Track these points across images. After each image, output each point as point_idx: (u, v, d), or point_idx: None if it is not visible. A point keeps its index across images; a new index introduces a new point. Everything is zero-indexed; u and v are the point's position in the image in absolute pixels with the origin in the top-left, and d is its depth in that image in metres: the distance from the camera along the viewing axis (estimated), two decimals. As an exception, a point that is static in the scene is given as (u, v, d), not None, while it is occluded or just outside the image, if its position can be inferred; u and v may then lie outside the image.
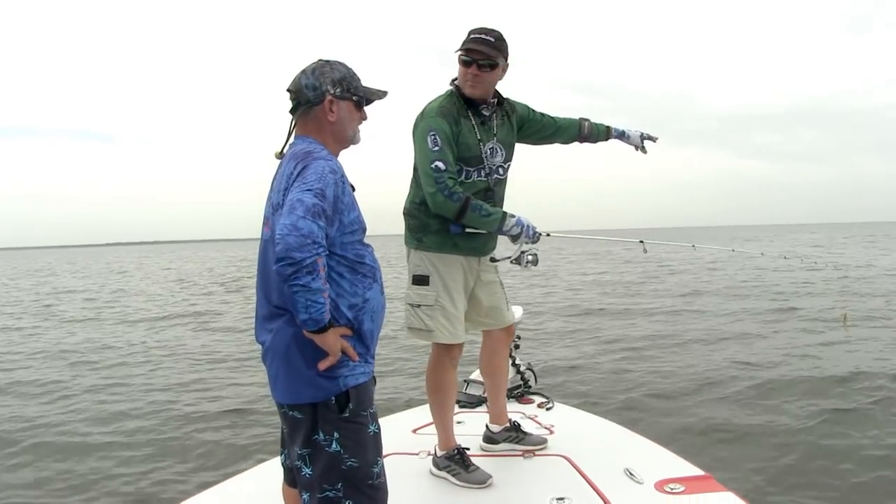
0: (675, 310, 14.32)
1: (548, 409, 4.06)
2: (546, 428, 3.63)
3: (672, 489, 2.72)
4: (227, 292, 24.41)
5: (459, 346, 3.14)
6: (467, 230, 3.03)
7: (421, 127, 2.99)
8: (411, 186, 3.13)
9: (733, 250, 5.82)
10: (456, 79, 3.08)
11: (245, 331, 12.67)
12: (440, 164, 2.89)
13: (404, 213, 3.15)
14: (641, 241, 3.77)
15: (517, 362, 4.47)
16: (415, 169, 3.08)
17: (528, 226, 3.03)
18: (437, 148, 2.90)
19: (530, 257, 3.13)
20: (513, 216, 3.02)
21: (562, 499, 2.69)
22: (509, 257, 3.17)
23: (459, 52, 3.01)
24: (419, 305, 3.06)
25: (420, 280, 3.07)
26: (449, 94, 3.08)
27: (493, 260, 3.24)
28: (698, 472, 2.93)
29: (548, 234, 3.22)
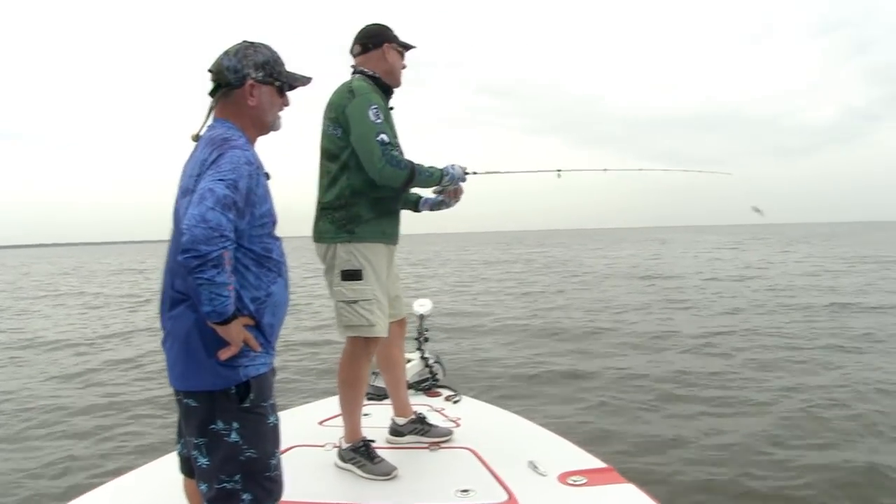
0: (589, 307, 14.71)
1: (455, 402, 4.06)
2: (452, 421, 3.62)
3: (575, 481, 2.76)
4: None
5: (379, 340, 3.09)
6: (385, 219, 3.05)
7: (358, 103, 2.92)
8: (334, 178, 3.00)
9: (641, 169, 5.44)
10: (362, 69, 3.10)
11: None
12: (384, 137, 2.89)
13: (326, 208, 3.02)
14: (558, 171, 3.86)
15: (426, 355, 4.48)
16: (332, 157, 2.99)
17: (456, 172, 3.19)
18: (379, 121, 2.91)
19: (446, 201, 3.31)
20: (442, 168, 3.14)
21: (466, 491, 2.69)
22: (428, 200, 3.34)
23: (393, 45, 3.12)
24: (356, 301, 2.97)
25: (352, 275, 2.97)
26: (365, 79, 3.05)
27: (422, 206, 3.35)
28: (601, 464, 2.97)
29: (474, 173, 3.32)
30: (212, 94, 2.12)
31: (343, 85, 3.04)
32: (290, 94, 2.21)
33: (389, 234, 3.13)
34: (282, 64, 2.16)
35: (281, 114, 2.20)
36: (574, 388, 7.59)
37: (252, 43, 2.12)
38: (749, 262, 28.43)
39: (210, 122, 2.12)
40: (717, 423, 6.13)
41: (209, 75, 2.12)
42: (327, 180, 3.02)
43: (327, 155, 3.02)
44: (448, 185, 3.20)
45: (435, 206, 3.35)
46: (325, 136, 3.02)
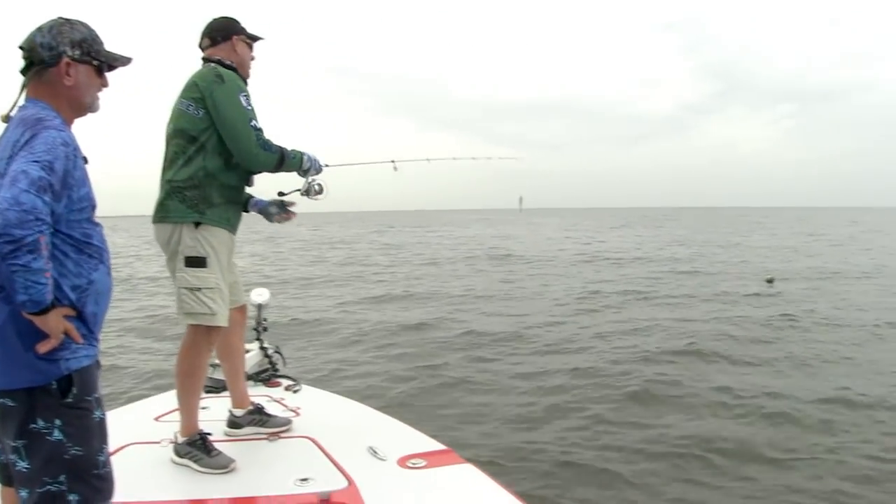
0: (421, 296, 14.93)
1: (295, 392, 4.03)
2: (292, 410, 3.60)
3: (414, 464, 2.83)
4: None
5: (220, 329, 3.02)
6: (232, 207, 3.05)
7: (228, 89, 2.92)
8: (189, 159, 2.93)
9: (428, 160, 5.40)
10: (219, 59, 3.07)
11: None
12: (256, 123, 2.94)
13: (178, 187, 2.92)
14: (393, 161, 4.00)
15: (265, 345, 4.40)
16: (190, 138, 2.92)
17: (315, 159, 3.25)
18: (250, 107, 2.95)
19: (317, 187, 3.32)
20: (302, 152, 3.18)
21: (305, 479, 2.69)
22: (298, 190, 3.33)
23: (241, 37, 3.15)
24: (199, 289, 2.90)
25: (196, 262, 2.91)
26: (222, 68, 3.02)
27: (280, 194, 3.37)
28: (440, 446, 3.06)
29: (326, 165, 3.38)
30: (23, 72, 1.98)
31: (208, 70, 3.00)
32: (109, 75, 2.10)
33: (233, 223, 3.12)
34: (100, 42, 2.05)
35: (100, 94, 2.09)
36: (416, 373, 7.74)
37: (68, 20, 2.01)
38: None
39: (22, 101, 1.99)
40: (559, 402, 6.48)
41: (21, 52, 1.98)
42: (182, 160, 2.95)
43: (184, 135, 2.96)
44: (311, 173, 3.27)
45: (263, 210, 3.35)
46: (184, 115, 2.96)
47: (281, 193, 3.39)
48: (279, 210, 3.34)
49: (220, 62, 3.06)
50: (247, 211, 3.32)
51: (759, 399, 6.42)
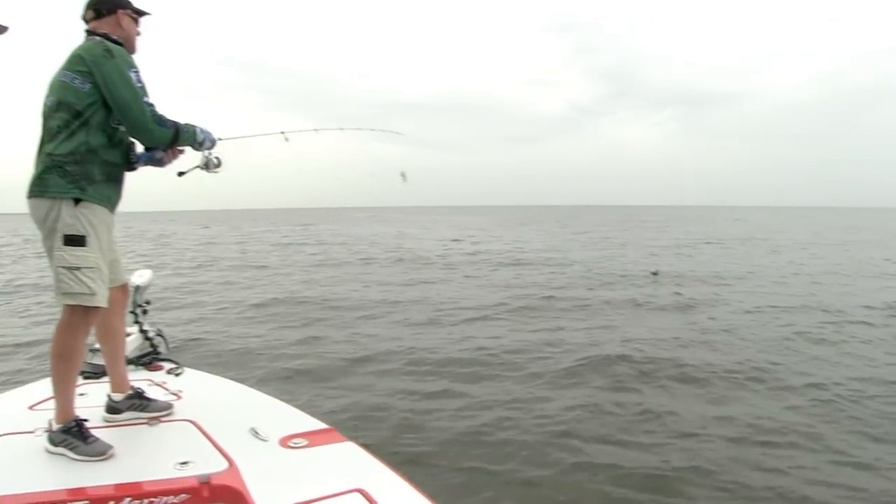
0: (304, 280, 14.93)
1: (177, 375, 4.00)
2: (174, 394, 3.58)
3: (296, 443, 2.88)
4: None
5: (99, 310, 2.97)
6: (112, 185, 3.02)
7: (119, 65, 2.87)
8: (72, 133, 2.86)
9: (315, 130, 5.41)
10: (104, 32, 3.00)
11: None
12: (149, 99, 2.92)
13: (59, 161, 2.84)
14: (283, 132, 4.05)
15: (145, 328, 4.32)
16: (74, 112, 2.85)
17: (208, 132, 3.27)
18: (141, 84, 2.91)
19: (216, 160, 3.38)
20: (194, 125, 3.19)
21: (186, 462, 2.70)
22: (198, 166, 3.39)
23: (127, 11, 3.09)
24: (78, 268, 2.84)
25: (75, 240, 2.84)
26: (109, 42, 2.96)
27: (180, 174, 3.40)
28: (322, 425, 3.11)
29: (220, 139, 3.40)
30: None
31: (94, 43, 2.92)
32: None
33: (114, 201, 3.08)
34: None
35: None
36: (300, 354, 7.78)
37: None
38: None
39: None
40: (444, 383, 6.66)
41: None
42: (65, 133, 2.86)
43: (68, 108, 2.87)
44: (206, 145, 3.29)
45: (150, 160, 3.30)
46: (68, 88, 2.88)
47: (180, 173, 3.41)
48: (164, 150, 3.30)
49: (106, 36, 2.99)
50: (134, 169, 3.25)
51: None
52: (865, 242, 30.47)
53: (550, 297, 12.24)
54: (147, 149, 3.22)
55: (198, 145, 3.26)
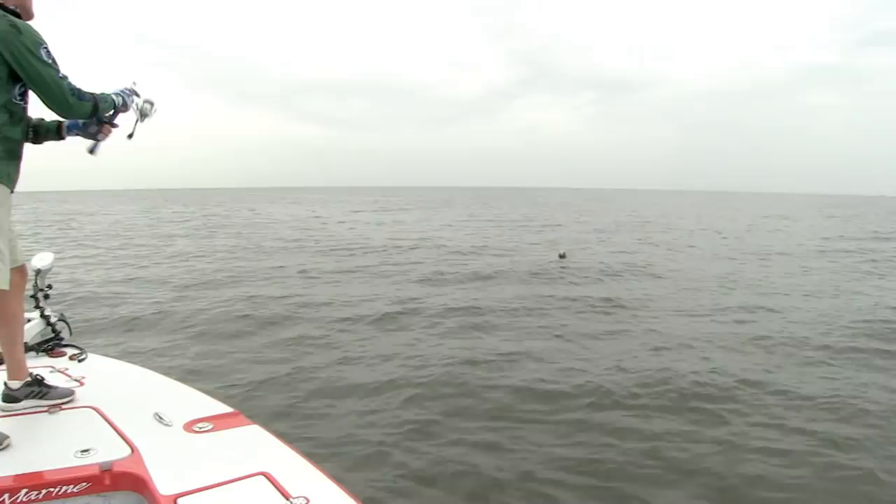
0: (224, 257, 14.69)
1: (80, 361, 3.91)
2: (76, 380, 3.51)
3: (200, 428, 2.88)
4: None
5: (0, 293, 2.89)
6: (13, 162, 2.94)
7: (29, 41, 2.77)
8: None
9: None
10: (1, 2, 2.88)
11: None
12: (63, 73, 2.85)
13: None
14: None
15: (47, 313, 4.20)
16: None
17: (121, 89, 3.23)
18: (52, 60, 2.83)
19: (147, 106, 3.34)
20: (108, 93, 3.14)
21: (87, 450, 2.67)
22: (136, 121, 3.33)
23: None
24: None
25: None
26: (12, 16, 2.84)
27: (129, 137, 3.34)
28: (227, 409, 3.10)
29: (134, 83, 3.35)
30: None
31: None
32: None
33: (14, 179, 2.99)
34: None
35: None
36: (206, 336, 7.70)
37: None
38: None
39: None
40: (350, 368, 6.73)
41: None
42: None
43: None
44: (131, 105, 3.26)
45: (84, 131, 3.25)
46: None
47: (130, 136, 3.35)
48: (98, 126, 3.25)
49: (2, 6, 2.85)
50: (62, 138, 3.23)
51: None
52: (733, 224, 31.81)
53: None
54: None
55: (123, 107, 3.22)
